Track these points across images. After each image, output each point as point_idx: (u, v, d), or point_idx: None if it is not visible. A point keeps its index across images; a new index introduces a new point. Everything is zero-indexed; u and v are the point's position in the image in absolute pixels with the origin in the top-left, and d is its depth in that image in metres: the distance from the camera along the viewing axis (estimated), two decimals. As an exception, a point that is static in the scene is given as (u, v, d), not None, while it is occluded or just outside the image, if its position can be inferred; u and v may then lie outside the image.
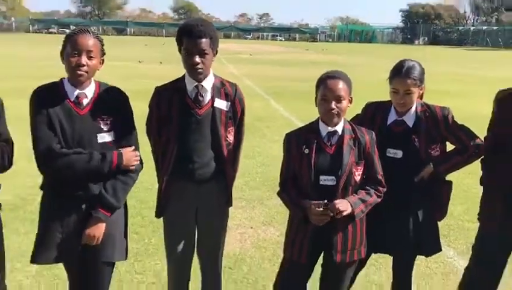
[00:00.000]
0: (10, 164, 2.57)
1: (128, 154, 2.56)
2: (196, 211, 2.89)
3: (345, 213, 2.57)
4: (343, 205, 2.57)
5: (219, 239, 3.02)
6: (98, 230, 2.55)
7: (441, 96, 12.51)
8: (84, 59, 2.47)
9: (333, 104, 2.60)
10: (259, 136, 9.33)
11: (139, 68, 21.86)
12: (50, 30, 72.65)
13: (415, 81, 2.89)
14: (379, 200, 2.74)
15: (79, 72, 2.47)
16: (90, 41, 2.49)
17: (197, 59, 2.67)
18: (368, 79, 16.78)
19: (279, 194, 2.81)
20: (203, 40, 2.65)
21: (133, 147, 2.62)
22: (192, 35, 2.64)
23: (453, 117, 3.00)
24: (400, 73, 2.88)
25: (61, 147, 2.44)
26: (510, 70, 24.59)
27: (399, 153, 2.93)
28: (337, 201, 2.58)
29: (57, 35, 60.06)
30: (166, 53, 29.92)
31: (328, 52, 42.59)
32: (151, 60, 26.80)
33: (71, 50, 2.47)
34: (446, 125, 2.96)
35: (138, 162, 2.63)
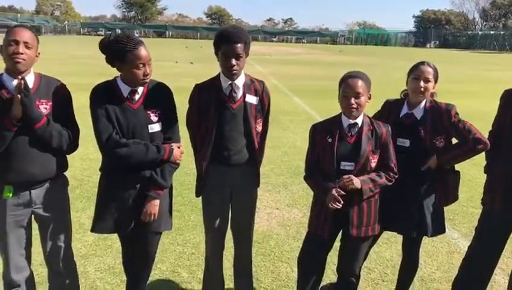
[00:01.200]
0: (75, 145, 2.66)
1: (177, 152, 2.68)
2: (231, 191, 2.96)
3: (351, 186, 2.60)
4: (353, 179, 2.62)
5: (250, 215, 3.08)
6: (154, 207, 2.67)
7: (449, 95, 12.31)
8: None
9: (352, 100, 2.65)
10: (283, 128, 9.33)
11: (176, 66, 22.04)
12: (98, 32, 73.68)
13: (435, 73, 2.93)
14: (389, 183, 2.76)
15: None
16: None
17: (233, 62, 2.71)
18: (383, 79, 16.51)
19: (305, 178, 2.86)
20: (239, 45, 2.69)
21: (181, 145, 2.71)
22: (230, 41, 2.68)
23: (456, 112, 2.98)
24: (423, 63, 2.96)
25: (119, 137, 2.54)
26: (515, 72, 23.90)
27: (407, 142, 2.95)
28: (346, 175, 2.63)
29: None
30: (198, 54, 30.03)
31: (346, 54, 42.08)
32: (185, 59, 26.98)
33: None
34: (449, 118, 2.94)
35: (182, 158, 2.72)
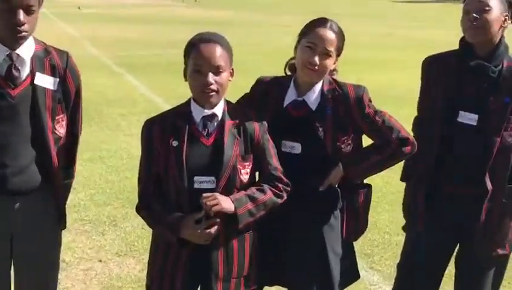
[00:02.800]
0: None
1: None
2: (11, 237, 2.89)
3: (216, 207, 2.67)
4: (218, 198, 2.68)
5: (47, 278, 3.03)
6: None
7: (359, 68, 13.12)
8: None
9: (210, 78, 2.72)
10: (111, 128, 9.29)
11: None
12: None
13: (339, 40, 3.07)
14: (279, 201, 2.90)
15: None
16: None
17: (21, 16, 2.65)
18: (266, 46, 17.14)
19: (138, 209, 2.92)
20: None
21: None
22: None
23: (370, 99, 3.13)
24: (323, 23, 3.06)
25: None
26: (455, 29, 26.31)
27: (296, 147, 3.06)
28: (207, 193, 2.69)
29: None
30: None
31: (205, 5, 42.94)
32: None
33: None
34: (360, 109, 3.08)
35: None
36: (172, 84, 11.31)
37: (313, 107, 3.09)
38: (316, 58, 2.99)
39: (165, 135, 2.81)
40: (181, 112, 2.86)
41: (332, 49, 3.03)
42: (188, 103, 2.87)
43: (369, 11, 42.02)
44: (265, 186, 2.86)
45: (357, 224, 3.27)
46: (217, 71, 2.74)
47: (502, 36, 3.27)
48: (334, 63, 3.12)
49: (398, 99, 9.95)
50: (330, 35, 3.03)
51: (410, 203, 3.54)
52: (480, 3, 3.15)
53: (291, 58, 3.21)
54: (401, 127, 3.15)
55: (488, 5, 3.14)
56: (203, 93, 2.75)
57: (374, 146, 3.20)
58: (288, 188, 2.93)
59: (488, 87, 3.24)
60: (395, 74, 14.55)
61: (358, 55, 15.20)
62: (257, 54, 15.23)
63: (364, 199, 3.25)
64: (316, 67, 3.00)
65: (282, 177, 2.91)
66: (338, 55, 3.12)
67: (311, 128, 3.05)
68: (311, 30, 3.05)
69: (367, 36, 22.91)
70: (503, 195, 3.29)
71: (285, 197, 2.91)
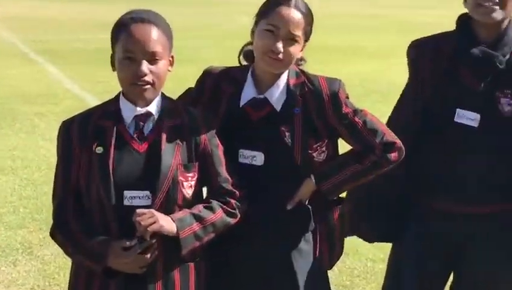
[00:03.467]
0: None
1: None
2: None
3: (156, 226, 2.63)
4: (156, 215, 2.64)
5: None
6: None
7: (335, 57, 13.20)
8: None
9: (144, 67, 2.69)
10: (26, 131, 9.29)
11: None
12: None
13: (306, 22, 3.03)
14: (231, 221, 2.89)
15: None
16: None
17: None
18: (225, 27, 17.19)
19: (52, 233, 2.89)
20: None
21: None
22: None
23: (347, 96, 3.13)
24: (285, 1, 3.00)
25: None
26: (450, 10, 26.65)
27: (258, 157, 3.05)
28: (141, 210, 2.65)
29: None
30: None
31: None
32: None
33: None
34: (336, 109, 3.07)
35: None
36: (104, 76, 10.98)
37: (277, 106, 3.07)
38: (279, 45, 2.95)
39: (86, 139, 2.77)
40: (107, 111, 2.83)
41: (298, 33, 3.00)
42: (116, 99, 2.84)
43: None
44: (215, 203, 2.85)
45: (332, 248, 3.26)
46: (152, 59, 2.71)
47: (511, 20, 3.24)
48: (302, 50, 3.10)
49: (382, 94, 10.05)
50: (296, 15, 2.99)
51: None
52: None
53: (247, 44, 3.21)
54: (386, 130, 3.14)
55: None
56: (135, 87, 2.71)
57: (353, 153, 3.17)
58: (243, 206, 2.92)
59: (492, 80, 3.21)
60: (380, 64, 14.61)
61: (336, 41, 15.42)
62: (207, 39, 15.09)
63: (339, 217, 3.25)
64: (280, 56, 2.96)
65: (235, 191, 2.90)
66: (306, 40, 3.09)
67: (276, 134, 3.03)
68: (272, 9, 3.01)
69: (346, 18, 23.14)
70: None
71: (239, 216, 2.90)
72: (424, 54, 3.37)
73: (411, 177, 3.33)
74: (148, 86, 2.71)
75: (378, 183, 3.25)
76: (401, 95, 3.49)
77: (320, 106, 3.06)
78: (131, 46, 2.69)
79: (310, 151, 3.05)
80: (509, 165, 3.22)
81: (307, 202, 3.12)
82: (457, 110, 3.20)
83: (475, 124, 3.18)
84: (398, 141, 3.13)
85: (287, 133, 3.02)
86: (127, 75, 2.72)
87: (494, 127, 3.19)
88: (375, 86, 11.86)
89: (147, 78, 2.69)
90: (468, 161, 3.20)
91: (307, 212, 3.11)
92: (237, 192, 2.90)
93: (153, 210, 2.65)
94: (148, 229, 2.61)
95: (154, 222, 2.62)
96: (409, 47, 3.43)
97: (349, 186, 3.21)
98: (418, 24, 21.89)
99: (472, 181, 3.20)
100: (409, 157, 3.19)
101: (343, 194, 3.33)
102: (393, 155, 3.11)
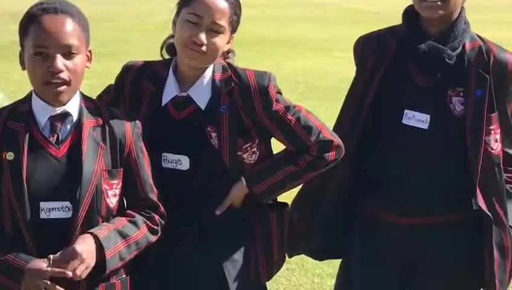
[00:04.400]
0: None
1: None
2: None
3: (87, 271, 2.62)
4: (83, 256, 2.60)
5: None
6: None
7: (279, 50, 13.05)
8: None
9: (59, 62, 2.62)
10: None
11: None
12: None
13: (232, 9, 3.04)
14: (153, 238, 2.88)
15: None
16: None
17: None
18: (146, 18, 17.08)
19: None
20: None
21: None
22: None
23: (279, 91, 3.12)
24: None
25: None
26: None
27: (183, 161, 3.03)
28: (76, 245, 2.60)
29: None
30: None
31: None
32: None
33: None
34: (266, 105, 3.05)
35: None
36: (16, 73, 11.07)
37: (202, 104, 3.05)
38: (202, 36, 2.94)
39: None
40: (17, 111, 2.76)
41: (223, 23, 3.00)
42: (27, 98, 2.78)
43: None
44: (139, 218, 2.82)
45: (268, 257, 3.23)
46: (67, 53, 2.65)
47: (462, 8, 3.27)
48: (229, 42, 3.09)
49: (328, 91, 10.02)
50: (221, 3, 3.00)
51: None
52: None
53: (170, 37, 3.21)
54: (323, 126, 3.13)
55: None
56: (49, 87, 2.63)
57: (287, 153, 3.16)
58: (164, 221, 2.91)
59: (443, 77, 3.24)
60: (328, 59, 14.47)
61: (279, 32, 15.46)
62: (135, 30, 14.69)
63: (277, 223, 3.20)
64: (203, 48, 2.95)
65: (160, 204, 2.88)
66: (233, 31, 3.09)
67: (201, 135, 3.03)
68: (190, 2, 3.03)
69: (290, 7, 23.30)
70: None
71: (160, 234, 2.90)
72: (371, 50, 3.37)
73: (357, 182, 3.37)
74: (64, 86, 2.65)
75: (323, 189, 3.36)
76: (347, 93, 3.47)
77: (248, 102, 3.06)
78: (43, 40, 2.64)
79: (239, 153, 3.06)
80: (456, 171, 3.25)
81: (239, 207, 3.15)
82: (406, 111, 3.24)
83: (425, 125, 3.22)
84: (336, 139, 3.14)
85: (213, 134, 3.03)
86: (39, 73, 2.65)
87: (445, 128, 3.23)
88: (320, 82, 11.82)
89: (62, 75, 2.63)
90: (415, 167, 3.23)
91: (239, 219, 3.12)
92: (161, 206, 2.88)
93: (74, 247, 2.60)
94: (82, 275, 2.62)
95: (87, 267, 2.62)
96: (355, 43, 3.46)
97: (284, 189, 3.18)
98: (362, 13, 22.11)
99: (419, 190, 3.25)
100: (356, 160, 3.28)
101: (291, 198, 3.37)
102: (330, 154, 3.12)
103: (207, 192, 3.07)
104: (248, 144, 3.06)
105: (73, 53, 2.68)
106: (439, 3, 3.10)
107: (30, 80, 2.74)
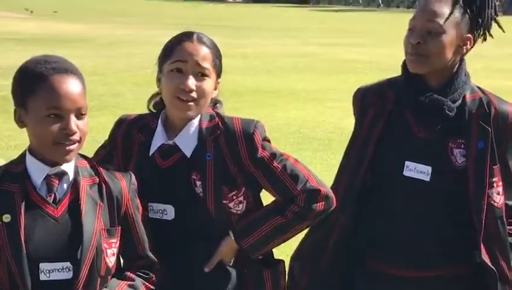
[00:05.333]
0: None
1: None
2: None
3: None
4: None
5: None
6: None
7: (270, 100, 12.98)
8: None
9: (73, 124, 2.63)
10: None
11: None
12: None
13: (214, 56, 3.08)
14: None
15: None
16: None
17: None
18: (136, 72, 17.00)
19: None
20: None
21: None
22: None
23: (266, 138, 3.11)
24: (189, 36, 3.09)
25: None
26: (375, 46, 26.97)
27: (169, 211, 3.03)
28: None
29: None
30: None
31: (59, 16, 43.07)
32: None
33: None
34: (251, 152, 3.04)
35: None
36: (8, 128, 11.07)
37: (188, 152, 3.06)
38: (189, 82, 2.97)
39: None
40: (11, 172, 2.72)
41: (207, 65, 3.04)
42: (21, 158, 2.76)
43: (284, 24, 43.27)
44: (138, 282, 2.83)
45: None
46: (79, 114, 2.67)
47: (462, 61, 3.31)
48: (216, 88, 3.12)
49: (323, 141, 9.98)
50: (201, 48, 3.06)
51: None
52: (429, 24, 3.15)
53: (155, 94, 3.23)
54: (310, 175, 3.13)
55: (440, 26, 3.14)
56: (60, 146, 2.63)
57: (275, 204, 3.16)
58: (154, 277, 2.91)
59: (443, 129, 3.24)
60: (320, 108, 14.40)
61: (270, 83, 15.34)
62: (125, 84, 14.66)
63: (272, 282, 3.17)
64: (193, 94, 2.99)
65: (156, 262, 2.89)
66: (218, 75, 3.12)
67: (186, 183, 3.04)
68: (175, 48, 3.07)
69: (279, 58, 23.26)
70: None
71: None
72: (370, 102, 3.36)
73: (359, 235, 3.34)
74: (76, 145, 2.67)
75: (324, 242, 3.34)
76: (347, 145, 3.48)
77: (234, 149, 3.07)
78: (57, 102, 2.62)
79: (224, 201, 3.04)
80: (458, 223, 3.25)
81: (230, 263, 3.11)
82: (407, 162, 3.23)
83: (426, 177, 3.21)
84: (324, 189, 3.11)
85: (197, 182, 3.03)
86: (51, 134, 2.63)
87: (446, 180, 3.23)
88: (314, 132, 11.69)
89: (75, 137, 2.64)
90: (416, 219, 3.24)
91: (229, 276, 3.09)
92: (157, 264, 2.88)
93: None
94: None
95: None
96: (354, 95, 3.46)
97: (274, 242, 3.15)
98: (350, 62, 22.13)
99: (420, 243, 3.24)
100: (357, 212, 3.28)
101: (287, 255, 3.38)
102: (318, 205, 3.07)
103: (194, 245, 3.06)
104: (233, 192, 3.05)
105: (83, 114, 2.69)
106: (422, 58, 3.14)
107: (36, 139, 2.70)
